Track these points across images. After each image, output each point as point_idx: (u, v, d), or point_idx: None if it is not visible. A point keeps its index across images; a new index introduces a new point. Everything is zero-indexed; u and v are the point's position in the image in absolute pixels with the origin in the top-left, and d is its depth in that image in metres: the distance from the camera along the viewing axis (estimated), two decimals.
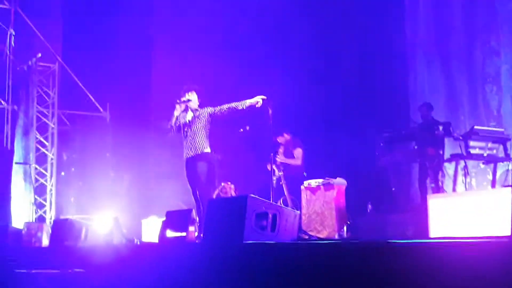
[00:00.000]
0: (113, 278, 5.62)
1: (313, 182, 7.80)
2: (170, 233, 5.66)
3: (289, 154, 9.00)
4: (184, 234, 5.41)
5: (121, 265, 5.69)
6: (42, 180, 11.29)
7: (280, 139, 9.03)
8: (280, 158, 8.81)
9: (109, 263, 5.84)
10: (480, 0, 9.39)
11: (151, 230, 9.23)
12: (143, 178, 11.80)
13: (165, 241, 5.64)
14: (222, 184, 8.93)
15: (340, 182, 7.65)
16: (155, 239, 6.41)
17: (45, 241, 8.51)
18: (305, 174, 8.78)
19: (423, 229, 6.19)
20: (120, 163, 11.79)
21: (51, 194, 11.31)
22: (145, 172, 11.87)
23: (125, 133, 11.74)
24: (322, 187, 7.68)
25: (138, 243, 7.37)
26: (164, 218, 5.90)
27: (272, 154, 7.97)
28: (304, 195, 7.81)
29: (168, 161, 11.79)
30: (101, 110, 11.91)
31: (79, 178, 11.89)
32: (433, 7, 10.13)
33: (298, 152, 8.95)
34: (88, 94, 11.67)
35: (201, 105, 7.05)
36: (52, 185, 11.33)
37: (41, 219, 10.91)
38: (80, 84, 11.59)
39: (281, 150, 8.96)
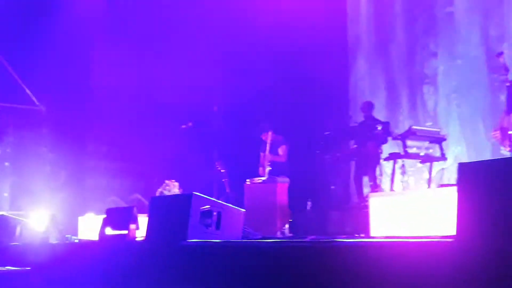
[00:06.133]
0: (50, 277, 5.45)
1: (257, 179, 7.82)
2: (110, 231, 5.53)
3: (273, 151, 8.76)
4: (125, 232, 5.28)
5: (59, 263, 5.53)
6: None
7: (265, 137, 8.75)
8: (267, 157, 8.58)
9: (46, 262, 5.66)
10: (420, 4, 9.66)
11: (87, 228, 8.99)
12: (80, 173, 11.49)
13: (105, 239, 5.51)
14: (166, 181, 8.81)
15: (283, 180, 7.70)
16: (93, 237, 6.26)
17: None
18: None
19: (362, 226, 6.31)
20: (58, 158, 11.43)
21: None
22: (82, 168, 11.56)
23: (63, 127, 11.38)
24: (265, 184, 7.70)
25: (77, 241, 7.18)
26: (102, 215, 5.75)
27: (262, 153, 8.10)
28: (247, 192, 7.81)
29: (105, 157, 11.55)
30: (37, 103, 11.50)
31: (13, 173, 11.44)
32: (375, 11, 10.34)
33: (283, 149, 8.73)
34: (23, 86, 11.24)
35: None
36: None
37: None
38: (15, 76, 11.15)
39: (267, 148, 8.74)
